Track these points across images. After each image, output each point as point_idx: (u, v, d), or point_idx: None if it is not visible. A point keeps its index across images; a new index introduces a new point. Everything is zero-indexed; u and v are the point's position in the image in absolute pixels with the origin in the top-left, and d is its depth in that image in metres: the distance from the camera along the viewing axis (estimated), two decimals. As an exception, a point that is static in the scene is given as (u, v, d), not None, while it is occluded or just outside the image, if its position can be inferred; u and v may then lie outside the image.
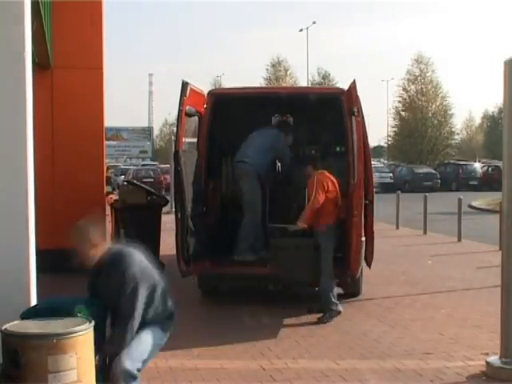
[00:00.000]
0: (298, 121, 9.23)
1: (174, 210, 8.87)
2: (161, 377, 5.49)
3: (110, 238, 11.57)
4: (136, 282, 4.07)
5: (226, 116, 8.65)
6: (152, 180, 32.33)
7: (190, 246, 7.55)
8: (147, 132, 72.25)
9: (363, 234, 7.47)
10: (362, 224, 7.42)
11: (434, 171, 40.08)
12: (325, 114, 8.86)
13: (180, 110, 7.47)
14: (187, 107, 7.64)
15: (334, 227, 7.42)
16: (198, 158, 8.16)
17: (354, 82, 7.54)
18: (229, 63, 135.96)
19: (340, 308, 7.42)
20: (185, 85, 7.51)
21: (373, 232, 7.85)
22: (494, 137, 69.32)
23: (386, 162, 62.20)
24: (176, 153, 7.46)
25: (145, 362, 4.21)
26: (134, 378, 4.07)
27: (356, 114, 7.49)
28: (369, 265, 8.18)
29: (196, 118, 8.38)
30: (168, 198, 12.05)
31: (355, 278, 7.85)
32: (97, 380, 3.87)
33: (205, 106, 8.31)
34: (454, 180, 38.81)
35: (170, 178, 24.52)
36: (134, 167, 41.75)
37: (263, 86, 48.11)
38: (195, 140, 8.50)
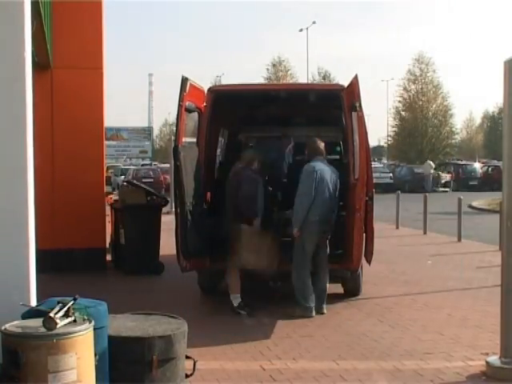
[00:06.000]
0: (298, 117, 9.25)
1: (173, 209, 8.85)
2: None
3: (110, 238, 11.61)
4: None
5: (226, 113, 8.62)
6: (152, 180, 32.33)
7: (190, 242, 7.53)
8: (147, 132, 72.09)
9: (364, 230, 7.47)
10: (363, 220, 7.41)
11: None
12: (325, 110, 8.86)
13: (180, 106, 7.40)
14: (187, 103, 7.57)
15: None
16: (198, 154, 8.14)
17: (356, 77, 7.51)
18: (229, 63, 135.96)
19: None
20: (184, 80, 7.46)
21: (373, 229, 7.81)
22: (493, 137, 69.41)
23: (385, 161, 62.20)
24: (175, 148, 7.41)
25: None
26: None
27: (358, 108, 7.47)
28: (369, 262, 8.17)
29: (196, 117, 8.37)
30: (168, 198, 12.04)
31: (356, 273, 7.87)
32: (97, 379, 3.87)
33: (204, 103, 8.29)
34: (454, 180, 38.80)
35: (170, 178, 24.51)
36: (134, 167, 41.73)
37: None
38: (195, 139, 8.50)
